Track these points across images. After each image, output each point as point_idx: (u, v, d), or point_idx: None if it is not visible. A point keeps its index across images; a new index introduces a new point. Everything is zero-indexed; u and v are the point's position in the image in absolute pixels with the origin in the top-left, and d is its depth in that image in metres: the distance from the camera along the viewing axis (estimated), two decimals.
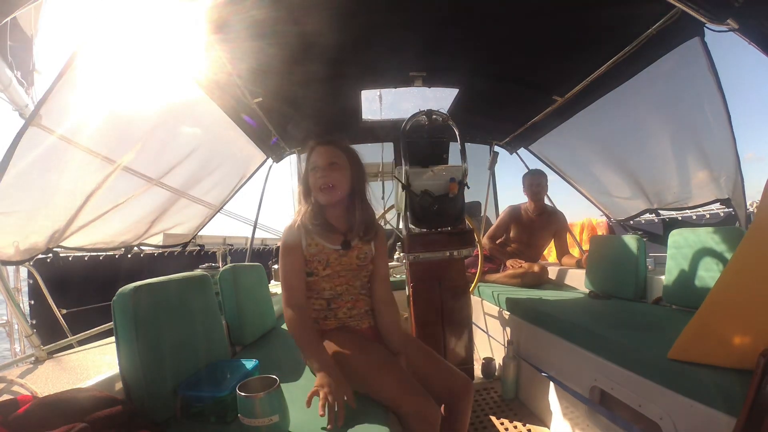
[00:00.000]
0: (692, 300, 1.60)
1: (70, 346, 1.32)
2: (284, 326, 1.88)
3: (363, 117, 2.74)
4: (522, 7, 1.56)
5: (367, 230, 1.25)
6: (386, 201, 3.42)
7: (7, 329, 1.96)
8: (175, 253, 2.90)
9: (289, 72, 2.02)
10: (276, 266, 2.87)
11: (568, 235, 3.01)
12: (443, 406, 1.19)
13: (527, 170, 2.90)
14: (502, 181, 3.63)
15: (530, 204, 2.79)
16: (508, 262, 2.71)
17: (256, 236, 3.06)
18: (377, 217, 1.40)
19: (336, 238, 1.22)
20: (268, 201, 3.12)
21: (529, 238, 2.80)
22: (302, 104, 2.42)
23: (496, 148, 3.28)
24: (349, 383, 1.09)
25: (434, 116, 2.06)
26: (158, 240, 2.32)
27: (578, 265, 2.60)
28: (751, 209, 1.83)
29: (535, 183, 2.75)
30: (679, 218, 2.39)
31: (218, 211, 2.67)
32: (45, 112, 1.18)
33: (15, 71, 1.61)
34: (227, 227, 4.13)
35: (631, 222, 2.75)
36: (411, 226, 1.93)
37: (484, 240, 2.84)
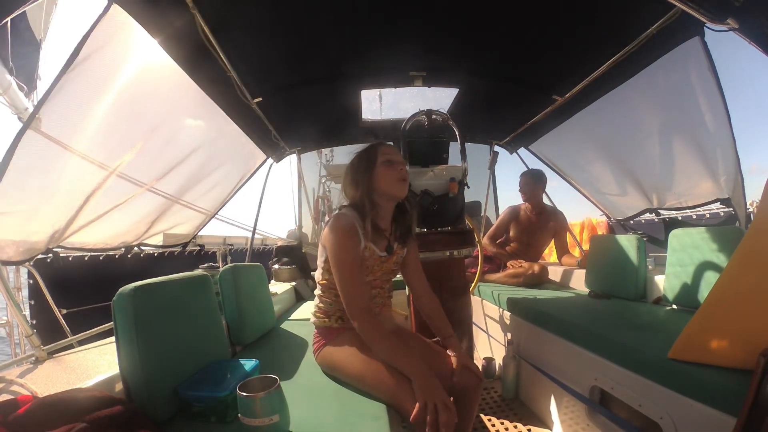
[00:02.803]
0: (692, 300, 1.60)
1: (70, 346, 1.32)
2: (284, 326, 1.89)
3: (363, 117, 2.74)
4: (522, 7, 1.56)
5: (410, 233, 1.29)
6: None
7: (7, 329, 1.96)
8: (175, 253, 2.90)
9: (289, 72, 2.02)
10: (276, 266, 2.87)
11: (568, 235, 3.01)
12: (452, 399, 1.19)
13: (526, 170, 2.91)
14: (502, 181, 3.63)
15: (529, 204, 2.80)
16: (509, 263, 2.71)
17: (256, 236, 3.06)
18: None
19: (382, 244, 1.22)
20: (267, 202, 3.12)
21: (529, 238, 2.80)
22: (302, 104, 2.42)
23: (496, 148, 3.27)
24: (353, 383, 1.10)
25: (434, 116, 2.05)
26: (158, 240, 2.32)
27: (578, 264, 2.60)
28: (750, 209, 1.83)
29: (524, 184, 2.77)
30: (679, 218, 2.39)
31: (217, 212, 2.66)
32: (44, 114, 1.18)
33: (14, 75, 1.61)
34: (227, 227, 4.13)
35: (631, 222, 2.75)
36: None
37: (484, 240, 2.85)
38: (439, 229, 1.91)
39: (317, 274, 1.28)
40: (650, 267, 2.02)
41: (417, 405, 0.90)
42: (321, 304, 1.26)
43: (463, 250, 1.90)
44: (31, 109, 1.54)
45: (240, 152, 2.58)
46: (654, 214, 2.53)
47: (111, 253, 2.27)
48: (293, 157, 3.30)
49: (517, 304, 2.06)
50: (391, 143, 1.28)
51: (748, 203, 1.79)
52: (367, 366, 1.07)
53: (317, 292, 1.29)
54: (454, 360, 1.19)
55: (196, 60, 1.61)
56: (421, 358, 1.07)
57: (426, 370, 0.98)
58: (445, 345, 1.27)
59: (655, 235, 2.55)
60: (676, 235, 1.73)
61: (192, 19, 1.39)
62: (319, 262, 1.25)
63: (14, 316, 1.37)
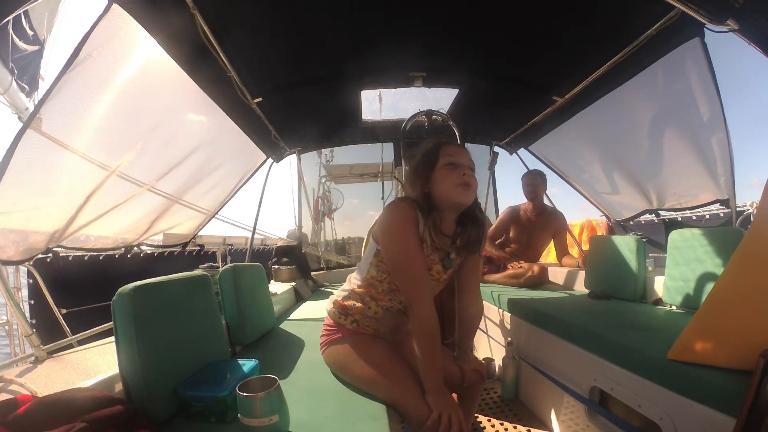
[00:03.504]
0: (692, 300, 1.60)
1: (70, 346, 1.32)
2: (283, 326, 1.88)
3: (363, 117, 2.74)
4: (522, 7, 1.56)
5: (475, 247, 1.17)
6: (386, 201, 3.42)
7: (6, 329, 1.96)
8: (175, 253, 2.90)
9: (289, 72, 2.02)
10: (276, 266, 2.87)
11: (568, 236, 3.01)
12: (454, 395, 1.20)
13: (527, 170, 2.91)
14: (502, 182, 3.63)
15: (529, 204, 2.80)
16: (509, 264, 2.72)
17: (256, 236, 3.06)
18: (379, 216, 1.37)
19: (439, 255, 1.13)
20: (267, 202, 3.12)
21: (529, 239, 2.80)
22: (302, 104, 2.43)
23: (496, 149, 3.28)
24: (354, 383, 1.10)
25: (434, 116, 2.06)
26: (158, 240, 2.32)
27: (578, 265, 2.60)
28: (750, 210, 1.83)
29: (530, 182, 2.76)
30: (679, 219, 2.40)
31: (217, 212, 2.67)
32: (44, 114, 1.18)
33: (15, 75, 1.61)
34: (227, 227, 4.14)
35: (631, 222, 2.75)
36: None
37: None
38: None
39: (360, 266, 1.20)
40: (650, 268, 2.02)
41: (432, 414, 0.94)
42: (350, 301, 1.18)
43: None
44: (32, 109, 1.55)
45: (240, 152, 2.58)
46: (654, 215, 2.54)
47: (111, 253, 2.27)
48: (293, 157, 3.30)
49: (517, 305, 2.06)
50: (463, 147, 1.15)
51: (747, 204, 1.80)
52: (369, 367, 1.07)
53: (353, 284, 1.20)
54: (465, 369, 1.19)
55: (196, 60, 1.61)
56: (405, 372, 1.06)
57: (443, 384, 1.01)
58: (458, 356, 1.24)
59: (655, 236, 2.55)
60: (675, 236, 1.73)
61: (192, 19, 1.39)
62: (367, 254, 1.17)
63: (14, 316, 1.37)
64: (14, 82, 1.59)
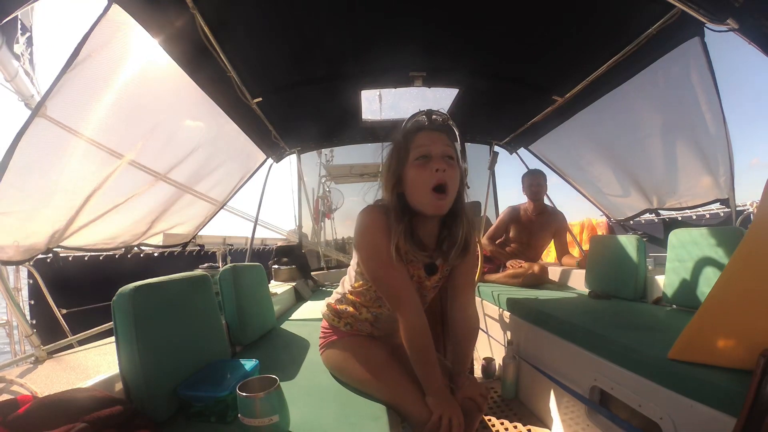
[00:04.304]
0: (692, 300, 1.60)
1: (70, 346, 1.32)
2: (284, 326, 1.88)
3: (363, 117, 2.74)
4: (522, 7, 1.56)
5: (465, 249, 1.04)
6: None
7: (6, 329, 1.96)
8: (175, 253, 2.90)
9: (289, 72, 2.02)
10: (276, 266, 2.87)
11: (568, 235, 3.01)
12: None
13: (527, 170, 2.91)
14: (502, 181, 3.63)
15: (530, 204, 2.80)
16: (509, 263, 2.71)
17: (256, 236, 3.06)
18: None
19: (422, 260, 1.04)
20: (267, 202, 3.12)
21: (529, 239, 2.80)
22: (302, 104, 2.43)
23: (496, 148, 3.28)
24: (354, 384, 1.09)
25: (434, 116, 2.05)
26: (158, 240, 2.32)
27: (578, 265, 2.60)
28: (750, 209, 1.83)
29: (534, 183, 2.75)
30: (679, 218, 2.39)
31: (218, 211, 2.66)
32: (50, 103, 1.18)
33: (22, 62, 1.62)
34: (227, 227, 4.15)
35: (631, 222, 2.75)
36: None
37: (484, 240, 2.84)
38: None
39: (350, 272, 1.17)
40: (650, 267, 2.02)
41: (433, 416, 0.92)
42: (342, 305, 1.18)
43: None
44: (37, 97, 1.55)
45: (240, 152, 2.58)
46: (654, 215, 2.53)
47: (111, 253, 2.27)
48: (293, 157, 3.30)
49: (517, 305, 2.06)
50: (442, 129, 1.00)
51: (747, 203, 1.80)
52: (367, 369, 1.07)
53: (346, 288, 1.17)
54: (457, 397, 1.04)
55: (196, 60, 1.61)
56: (405, 374, 1.03)
57: (444, 387, 0.98)
58: (454, 379, 1.08)
59: (655, 236, 2.55)
60: (676, 235, 1.73)
61: (192, 19, 1.39)
62: (353, 263, 1.14)
63: (14, 316, 1.37)
64: (21, 69, 1.60)
